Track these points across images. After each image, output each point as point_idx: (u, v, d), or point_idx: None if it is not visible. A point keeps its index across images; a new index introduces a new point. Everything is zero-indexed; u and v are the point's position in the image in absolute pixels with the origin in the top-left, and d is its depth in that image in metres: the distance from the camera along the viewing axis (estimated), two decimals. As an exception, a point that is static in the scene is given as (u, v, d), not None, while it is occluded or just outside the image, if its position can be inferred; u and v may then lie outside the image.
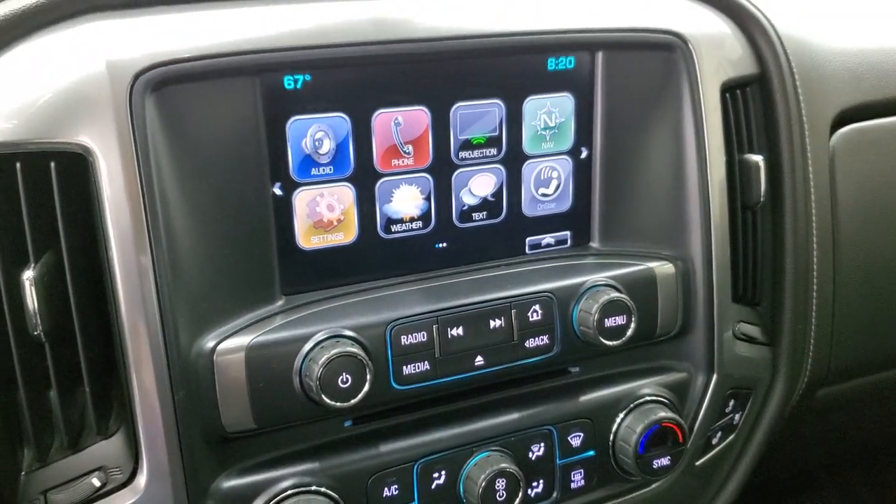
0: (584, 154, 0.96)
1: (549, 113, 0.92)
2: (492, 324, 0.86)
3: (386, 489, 0.85)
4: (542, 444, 0.92)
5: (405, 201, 0.88)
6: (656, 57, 0.93)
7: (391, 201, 0.87)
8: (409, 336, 0.83)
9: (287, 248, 0.84)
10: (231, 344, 0.77)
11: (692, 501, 1.10)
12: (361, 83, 0.82)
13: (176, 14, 0.75)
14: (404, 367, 0.83)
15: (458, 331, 0.85)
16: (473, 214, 0.92)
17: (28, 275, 0.70)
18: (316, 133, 0.82)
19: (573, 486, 0.95)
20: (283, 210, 0.83)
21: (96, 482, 0.75)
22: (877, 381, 1.24)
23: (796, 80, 1.01)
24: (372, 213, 0.87)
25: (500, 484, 0.86)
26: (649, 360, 1.00)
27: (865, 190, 1.09)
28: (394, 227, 0.88)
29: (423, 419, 0.88)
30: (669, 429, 0.94)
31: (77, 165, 0.71)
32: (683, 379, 1.00)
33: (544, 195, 0.95)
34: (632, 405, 0.95)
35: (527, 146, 0.92)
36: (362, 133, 0.84)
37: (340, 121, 0.83)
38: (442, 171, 0.89)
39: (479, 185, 0.91)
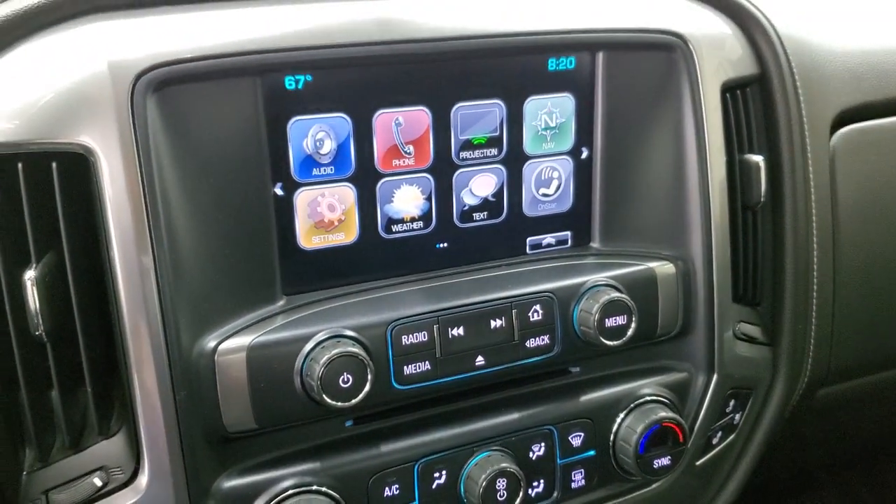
0: (584, 154, 0.96)
1: (549, 113, 0.92)
2: (492, 324, 0.86)
3: (387, 489, 0.85)
4: (543, 444, 0.92)
5: (406, 201, 0.88)
6: (657, 57, 0.93)
7: (392, 201, 0.87)
8: (410, 336, 0.83)
9: (288, 248, 0.84)
10: (232, 344, 0.77)
11: (692, 501, 1.10)
12: (362, 83, 0.82)
13: (177, 14, 0.75)
14: (405, 367, 0.83)
15: (458, 331, 0.85)
16: (474, 214, 0.92)
17: (30, 275, 0.70)
18: (317, 133, 0.82)
19: (574, 485, 0.95)
20: (285, 210, 0.83)
21: (98, 482, 0.75)
22: (877, 381, 1.25)
23: (796, 81, 1.01)
24: (373, 213, 0.87)
25: (501, 484, 0.86)
26: (650, 360, 1.00)
27: (865, 190, 1.09)
28: (395, 227, 0.89)
29: (424, 419, 0.89)
30: (670, 429, 0.94)
31: (78, 166, 0.71)
32: (684, 379, 1.00)
33: (545, 195, 0.95)
34: (632, 405, 0.95)
35: (527, 146, 0.92)
36: (363, 133, 0.84)
37: (341, 121, 0.83)
38: (443, 171, 0.89)
39: (479, 185, 0.91)
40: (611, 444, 0.96)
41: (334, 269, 0.87)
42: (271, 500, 0.80)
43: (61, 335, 0.73)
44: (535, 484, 0.93)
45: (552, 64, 0.90)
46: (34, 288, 0.70)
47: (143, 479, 0.75)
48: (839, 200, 1.06)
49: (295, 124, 0.81)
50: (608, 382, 0.97)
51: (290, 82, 0.79)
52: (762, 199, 1.00)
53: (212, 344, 0.77)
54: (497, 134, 0.90)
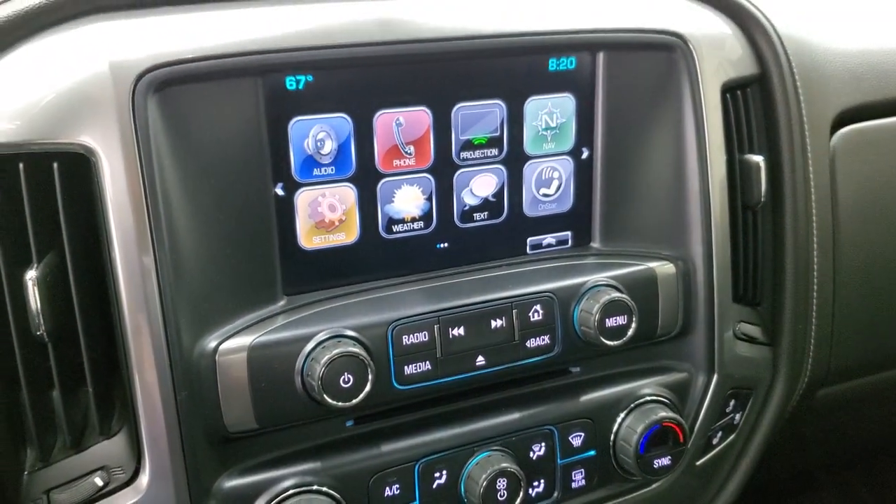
0: (584, 154, 0.96)
1: (550, 113, 0.92)
2: (493, 324, 0.86)
3: (387, 489, 0.85)
4: (543, 444, 0.92)
5: (407, 201, 0.88)
6: (657, 57, 0.93)
7: (393, 201, 0.88)
8: (411, 336, 0.83)
9: (289, 248, 0.84)
10: (233, 344, 0.77)
11: (692, 501, 1.10)
12: (363, 84, 0.82)
13: (178, 15, 0.75)
14: (406, 367, 0.83)
15: (459, 331, 0.85)
16: (475, 215, 0.92)
17: (31, 275, 0.70)
18: (318, 133, 0.82)
19: (574, 485, 0.95)
20: (285, 210, 0.83)
21: (99, 482, 0.75)
22: (877, 381, 1.25)
23: (797, 81, 1.01)
24: (373, 213, 0.87)
25: (501, 484, 0.86)
26: (650, 360, 1.00)
27: (865, 190, 1.09)
28: (395, 228, 0.89)
29: (425, 419, 0.89)
30: (670, 429, 0.94)
31: (80, 166, 0.71)
32: (684, 379, 1.00)
33: (545, 195, 0.96)
34: (632, 405, 0.96)
35: (528, 146, 0.92)
36: (364, 133, 0.84)
37: (342, 121, 0.83)
38: (443, 171, 0.89)
39: (480, 185, 0.91)
40: (611, 444, 0.96)
41: (335, 270, 0.87)
42: (272, 499, 0.80)
43: (62, 335, 0.73)
44: (536, 484, 0.93)
45: (553, 64, 0.91)
46: (35, 288, 0.70)
47: (143, 479, 0.75)
48: (839, 200, 1.06)
49: (296, 124, 0.81)
50: (608, 382, 0.97)
51: (290, 82, 0.79)
52: (762, 199, 1.00)
53: (213, 344, 0.77)
54: (497, 134, 0.90)
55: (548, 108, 0.92)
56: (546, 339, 0.89)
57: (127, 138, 0.70)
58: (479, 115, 0.89)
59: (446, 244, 0.92)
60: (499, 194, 0.93)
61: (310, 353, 0.78)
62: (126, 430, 0.77)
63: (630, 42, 0.92)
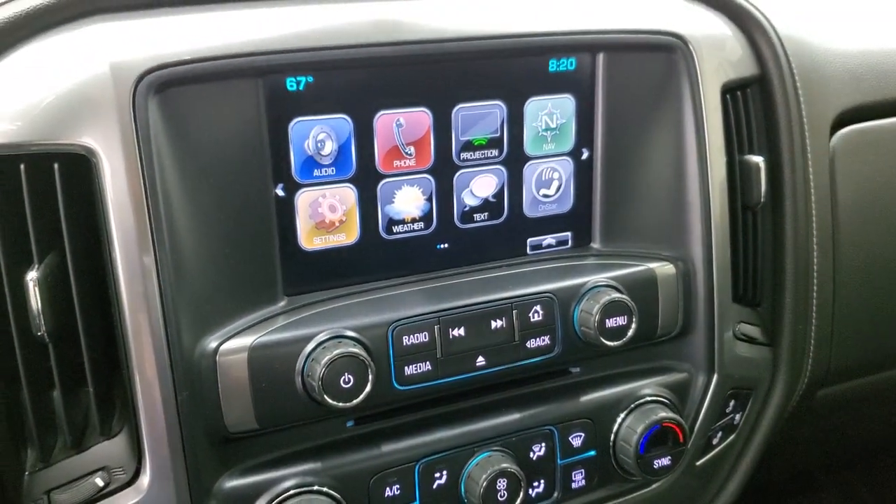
0: (584, 155, 0.96)
1: (550, 114, 0.92)
2: (493, 324, 0.86)
3: (388, 489, 0.85)
4: (543, 445, 0.92)
5: (407, 202, 0.88)
6: (657, 58, 0.93)
7: (393, 202, 0.88)
8: (411, 336, 0.83)
9: (289, 248, 0.84)
10: (234, 344, 0.77)
11: (692, 501, 1.10)
12: (363, 85, 0.82)
13: (179, 16, 0.75)
14: (406, 368, 0.83)
15: (459, 331, 0.85)
16: (475, 215, 0.92)
17: (32, 275, 0.70)
18: (318, 134, 0.82)
19: (574, 486, 0.95)
20: (286, 211, 0.83)
21: (99, 482, 0.75)
22: (877, 381, 1.25)
23: (796, 82, 1.01)
24: (374, 213, 0.87)
25: (502, 484, 0.86)
26: (650, 360, 1.00)
27: (865, 191, 1.09)
28: (395, 228, 0.89)
29: (425, 419, 0.89)
30: (670, 429, 0.94)
31: (80, 167, 0.71)
32: (684, 379, 1.01)
33: (545, 196, 0.96)
34: (632, 405, 0.96)
35: (528, 147, 0.92)
36: (364, 134, 0.84)
37: (342, 122, 0.83)
38: (443, 172, 0.89)
39: (480, 186, 0.91)
40: (611, 444, 0.96)
41: (335, 270, 0.87)
42: (272, 500, 0.80)
43: (63, 335, 0.73)
44: (536, 484, 0.93)
45: (553, 65, 0.91)
46: (36, 288, 0.70)
47: (144, 480, 0.75)
48: (839, 201, 1.06)
49: (296, 125, 0.81)
50: (608, 383, 0.97)
51: (291, 83, 0.79)
52: (762, 200, 1.00)
53: (213, 344, 0.77)
54: (498, 135, 0.90)
55: (548, 108, 0.92)
56: (546, 340, 0.89)
57: (128, 139, 0.70)
58: (480, 116, 0.89)
59: (446, 245, 0.92)
60: (499, 195, 0.93)
61: (310, 353, 0.78)
62: (127, 430, 0.77)
63: (630, 43, 0.92)
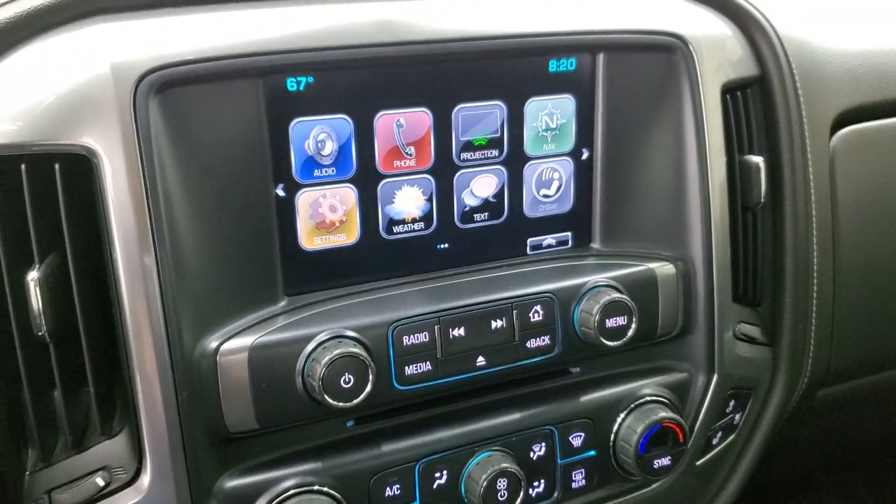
0: (585, 155, 0.96)
1: (550, 114, 0.92)
2: (493, 324, 0.87)
3: (388, 489, 0.85)
4: (544, 444, 0.92)
5: (407, 202, 0.88)
6: (657, 58, 0.93)
7: (393, 202, 0.88)
8: (411, 336, 0.83)
9: (290, 249, 0.84)
10: (234, 344, 0.77)
11: (692, 501, 1.10)
12: (364, 85, 0.82)
13: (179, 16, 0.75)
14: (406, 368, 0.83)
15: (459, 331, 0.85)
16: (475, 215, 0.92)
17: (33, 276, 0.70)
18: (318, 135, 0.82)
19: (574, 485, 0.95)
20: (286, 211, 0.83)
21: (100, 482, 0.75)
22: (877, 382, 1.25)
23: (796, 82, 1.01)
24: (374, 214, 0.87)
25: (502, 484, 0.86)
26: (650, 360, 1.00)
27: (865, 191, 1.09)
28: (396, 228, 0.89)
29: (425, 419, 0.89)
30: (670, 429, 0.94)
31: (81, 167, 0.71)
32: (684, 379, 1.01)
33: (545, 196, 0.96)
34: (632, 405, 0.96)
35: (528, 147, 0.93)
36: (364, 134, 0.84)
37: (343, 122, 0.83)
38: (444, 172, 0.89)
39: (480, 186, 0.92)
40: (611, 444, 0.96)
41: (336, 270, 0.87)
42: (273, 499, 0.80)
43: (64, 335, 0.73)
44: (536, 484, 0.93)
45: (553, 65, 0.91)
46: (37, 288, 0.70)
47: (145, 479, 0.75)
48: (839, 201, 1.06)
49: (296, 126, 0.81)
50: (608, 383, 0.97)
51: (291, 84, 0.79)
52: (762, 200, 1.00)
53: (214, 344, 0.77)
54: (498, 135, 0.90)
55: (548, 108, 0.92)
56: (546, 340, 0.89)
57: (128, 139, 0.70)
58: (480, 116, 0.89)
59: (447, 245, 0.92)
60: (499, 195, 0.93)
61: (310, 353, 0.78)
62: (127, 430, 0.77)
63: (630, 43, 0.92)
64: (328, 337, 0.79)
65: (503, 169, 0.92)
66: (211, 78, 0.74)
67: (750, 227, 1.04)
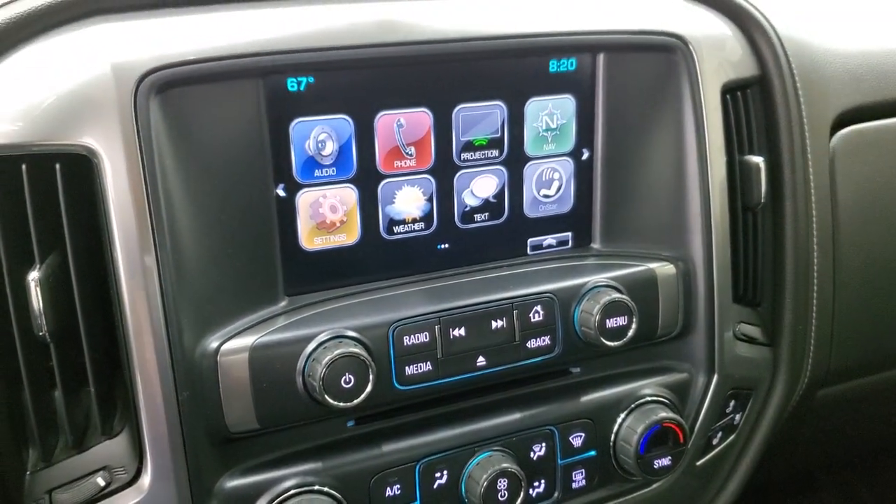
0: (585, 155, 0.96)
1: (550, 114, 0.92)
2: (493, 324, 0.87)
3: (388, 489, 0.85)
4: (544, 445, 0.92)
5: (407, 202, 0.88)
6: (657, 59, 0.93)
7: (393, 202, 0.88)
8: (412, 336, 0.83)
9: (290, 249, 0.84)
10: (235, 344, 0.77)
11: (692, 501, 1.10)
12: (364, 85, 0.82)
13: (180, 17, 0.75)
14: (407, 368, 0.83)
15: (460, 331, 0.85)
16: (475, 215, 0.93)
17: (33, 276, 0.70)
18: (319, 135, 0.82)
19: (574, 485, 0.95)
20: (287, 211, 0.83)
21: (101, 481, 0.75)
22: (877, 382, 1.25)
23: (797, 82, 1.01)
24: (374, 214, 0.87)
25: (502, 484, 0.86)
26: (650, 360, 1.01)
27: (865, 191, 1.09)
28: (396, 229, 0.89)
29: (426, 419, 0.89)
30: (670, 429, 0.94)
31: (82, 167, 0.71)
32: (684, 379, 1.01)
33: (546, 196, 0.96)
34: (633, 405, 0.96)
35: (528, 148, 0.93)
36: (365, 135, 0.84)
37: (343, 122, 0.83)
38: (444, 172, 0.89)
39: (480, 186, 0.92)
40: (611, 444, 0.96)
41: (336, 270, 0.87)
42: (273, 499, 0.80)
43: (65, 335, 0.73)
44: (536, 484, 0.93)
45: (553, 65, 0.91)
46: (38, 289, 0.70)
47: (145, 479, 0.75)
48: (839, 201, 1.06)
49: (297, 126, 0.81)
50: (609, 383, 0.97)
51: (292, 84, 0.79)
52: (762, 200, 1.00)
53: (214, 344, 0.77)
54: (498, 135, 0.91)
55: (548, 109, 0.92)
56: (546, 340, 0.89)
57: (129, 140, 0.70)
58: (480, 117, 0.89)
59: (447, 245, 0.92)
60: (499, 195, 0.93)
61: (311, 353, 0.78)
62: (128, 430, 0.77)
63: (630, 43, 0.92)
64: (329, 337, 0.79)
65: (503, 169, 0.92)
66: (211, 78, 0.74)
67: (750, 227, 1.04)
